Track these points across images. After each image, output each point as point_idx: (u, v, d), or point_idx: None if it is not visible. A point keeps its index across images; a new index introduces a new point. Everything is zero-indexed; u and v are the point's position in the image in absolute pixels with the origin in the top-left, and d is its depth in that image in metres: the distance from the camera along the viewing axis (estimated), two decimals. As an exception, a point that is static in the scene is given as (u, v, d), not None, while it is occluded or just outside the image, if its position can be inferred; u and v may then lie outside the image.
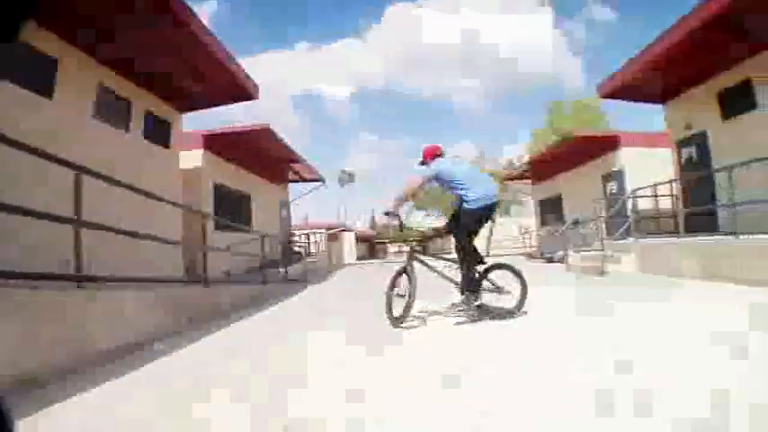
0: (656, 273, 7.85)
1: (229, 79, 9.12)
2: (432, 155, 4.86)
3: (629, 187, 12.57)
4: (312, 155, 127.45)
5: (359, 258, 37.19)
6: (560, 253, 12.96)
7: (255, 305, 7.15)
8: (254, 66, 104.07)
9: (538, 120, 76.09)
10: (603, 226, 11.83)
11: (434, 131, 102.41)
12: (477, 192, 4.50)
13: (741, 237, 6.33)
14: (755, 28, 7.57)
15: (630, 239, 9.41)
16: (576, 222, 13.32)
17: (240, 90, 9.76)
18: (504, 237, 28.47)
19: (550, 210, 19.08)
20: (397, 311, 4.45)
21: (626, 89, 10.70)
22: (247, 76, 9.66)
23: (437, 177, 4.67)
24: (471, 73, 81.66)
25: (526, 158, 24.17)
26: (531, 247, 21.32)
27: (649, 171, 12.40)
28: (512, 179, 23.95)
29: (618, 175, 13.87)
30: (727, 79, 9.16)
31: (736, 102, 9.06)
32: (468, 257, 4.54)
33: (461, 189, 4.54)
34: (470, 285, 4.51)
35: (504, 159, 28.06)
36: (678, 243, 8.07)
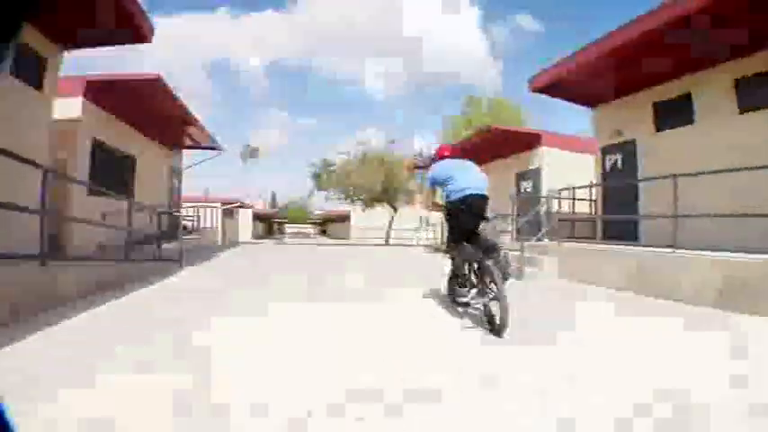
0: (578, 280, 7.36)
1: (120, 12, 6.86)
2: (439, 155, 5.06)
3: (545, 188, 12.10)
4: (218, 126, 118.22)
5: (256, 237, 35.80)
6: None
7: (106, 292, 5.64)
8: (167, 25, 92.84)
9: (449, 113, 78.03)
10: (514, 226, 11.21)
11: (345, 115, 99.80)
12: (455, 185, 4.43)
13: (678, 251, 5.98)
14: (700, 44, 7.18)
15: (547, 241, 8.90)
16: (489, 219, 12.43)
17: (132, 26, 7.37)
18: (407, 228, 27.74)
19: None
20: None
21: (558, 86, 9.90)
22: (144, 15, 7.48)
23: (433, 184, 4.75)
24: (388, 61, 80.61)
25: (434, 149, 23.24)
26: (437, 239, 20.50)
27: (566, 173, 12.03)
28: (421, 168, 22.96)
29: (534, 175, 13.20)
30: (665, 91, 8.84)
31: (671, 114, 8.78)
32: (452, 253, 4.64)
33: (447, 184, 4.51)
34: (450, 282, 4.68)
35: (415, 146, 27.11)
36: (608, 251, 7.47)
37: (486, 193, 4.48)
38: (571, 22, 60.43)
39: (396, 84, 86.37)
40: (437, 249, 14.74)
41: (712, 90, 7.92)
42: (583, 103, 10.76)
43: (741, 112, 7.49)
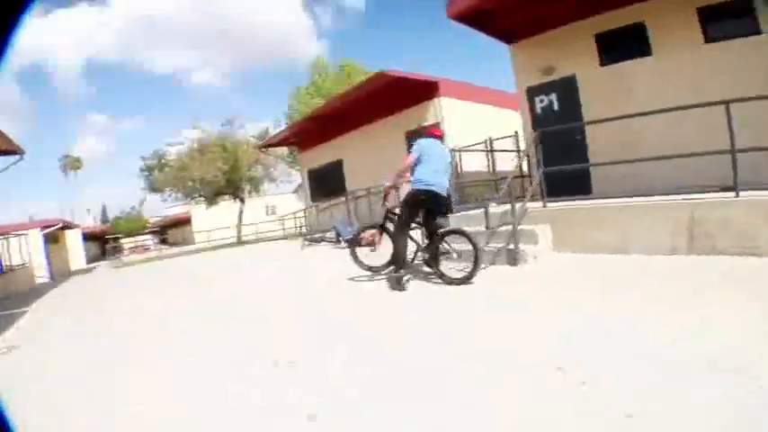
0: (593, 250, 5.38)
1: None
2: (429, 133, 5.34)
3: (449, 144, 9.87)
4: (32, 140, 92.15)
5: (91, 261, 30.35)
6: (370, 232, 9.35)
7: None
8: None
9: (282, 101, 73.60)
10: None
11: (175, 111, 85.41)
12: (421, 173, 4.81)
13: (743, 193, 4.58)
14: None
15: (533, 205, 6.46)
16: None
17: None
18: (253, 220, 23.52)
19: (326, 181, 15.32)
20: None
21: (479, 14, 8.03)
22: None
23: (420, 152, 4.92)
24: (212, 48, 71.35)
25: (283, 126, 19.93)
26: (300, 228, 17.15)
27: (473, 129, 10.17)
28: (270, 146, 19.24)
29: (434, 132, 10.94)
30: (610, 21, 7.62)
31: (621, 46, 7.63)
32: (396, 236, 5.00)
33: (417, 166, 4.87)
34: (395, 261, 5.01)
35: (256, 128, 22.86)
36: (637, 206, 5.39)
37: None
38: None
39: (225, 71, 77.40)
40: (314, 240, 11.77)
41: (672, 19, 7.00)
42: (502, 37, 8.98)
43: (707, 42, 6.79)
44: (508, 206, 5.80)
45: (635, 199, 5.48)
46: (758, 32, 6.45)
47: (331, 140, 14.80)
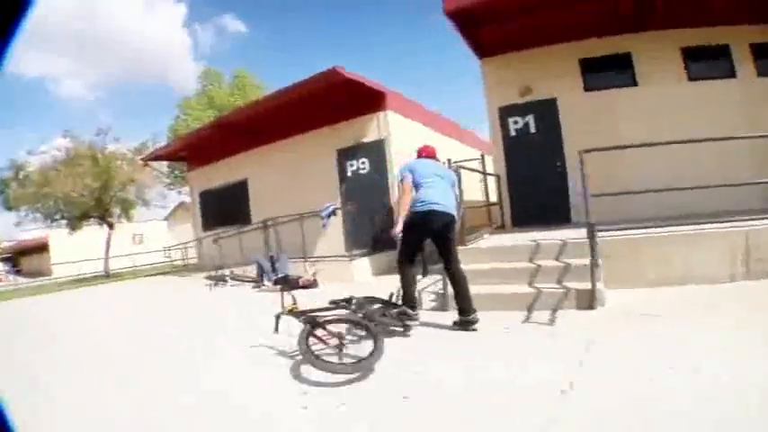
0: (648, 284, 4.65)
1: None
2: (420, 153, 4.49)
3: (394, 167, 8.83)
4: None
5: None
6: (307, 275, 7.47)
7: None
8: None
9: (153, 120, 65.76)
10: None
11: (40, 125, 69.60)
12: (419, 194, 4.00)
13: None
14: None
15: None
16: (332, 212, 8.01)
17: None
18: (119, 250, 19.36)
19: (224, 205, 12.67)
20: None
21: (471, 16, 6.95)
22: None
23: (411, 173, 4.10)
24: (81, 58, 60.70)
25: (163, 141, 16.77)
26: (186, 260, 13.97)
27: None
28: (156, 159, 15.88)
29: (372, 150, 9.37)
30: (596, 47, 7.48)
31: (607, 73, 7.51)
32: (401, 271, 4.10)
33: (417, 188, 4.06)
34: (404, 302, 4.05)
35: (132, 144, 18.86)
36: (693, 234, 4.74)
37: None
38: (272, 21, 58.24)
39: (96, 82, 65.85)
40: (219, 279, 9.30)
41: (658, 54, 7.23)
42: (477, 49, 7.96)
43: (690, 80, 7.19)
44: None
45: (675, 228, 4.79)
46: (734, 76, 7.05)
47: (233, 156, 12.26)
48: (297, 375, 3.13)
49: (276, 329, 3.61)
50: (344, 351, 3.20)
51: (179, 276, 12.97)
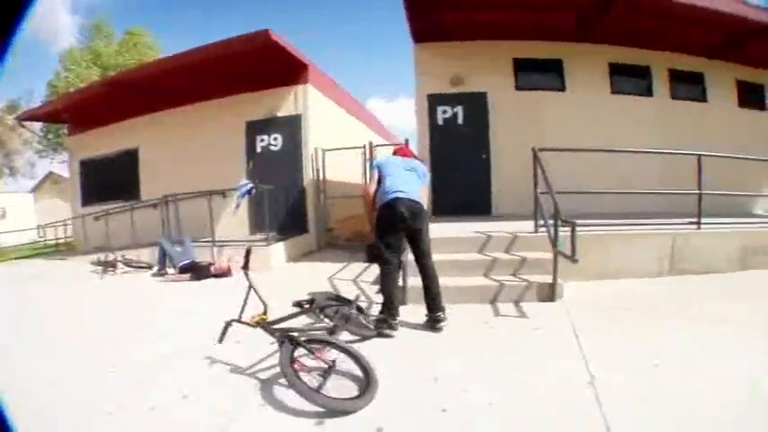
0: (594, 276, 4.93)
1: None
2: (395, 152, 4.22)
3: (311, 145, 8.54)
4: None
5: None
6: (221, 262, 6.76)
7: None
8: None
9: (22, 77, 56.28)
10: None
11: None
12: (385, 186, 3.71)
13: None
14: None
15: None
16: (248, 191, 7.33)
17: None
18: None
19: (109, 177, 11.10)
20: None
21: None
22: None
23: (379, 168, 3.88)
24: None
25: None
26: (63, 239, 12.02)
27: (334, 134, 9.12)
28: (33, 119, 13.40)
29: (288, 124, 8.68)
30: (533, 50, 7.75)
31: (539, 75, 7.85)
32: (383, 272, 3.66)
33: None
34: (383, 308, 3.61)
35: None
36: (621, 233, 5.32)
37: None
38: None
39: None
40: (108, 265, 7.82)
41: (587, 65, 7.72)
42: (415, 32, 7.65)
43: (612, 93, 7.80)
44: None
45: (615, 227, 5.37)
46: (651, 95, 7.78)
47: (123, 121, 10.72)
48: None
49: (221, 339, 2.98)
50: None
51: (55, 260, 11.10)
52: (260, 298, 3.06)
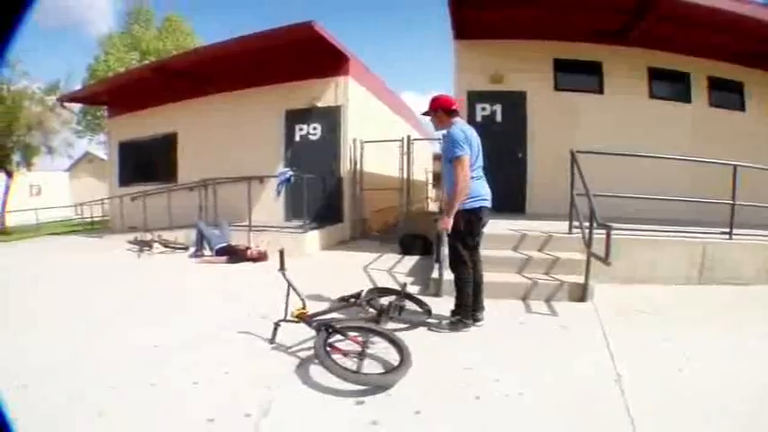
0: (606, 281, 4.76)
1: None
2: (451, 105, 3.53)
3: (349, 136, 8.66)
4: None
5: None
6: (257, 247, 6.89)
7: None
8: None
9: (62, 61, 57.99)
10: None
11: None
12: (473, 187, 3.39)
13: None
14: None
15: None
16: (287, 179, 7.49)
17: None
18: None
19: (147, 159, 11.44)
20: None
21: None
22: None
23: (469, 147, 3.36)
24: None
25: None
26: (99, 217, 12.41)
27: (370, 127, 9.21)
28: (74, 100, 13.84)
29: (328, 116, 8.77)
30: (573, 50, 7.70)
31: (577, 77, 7.82)
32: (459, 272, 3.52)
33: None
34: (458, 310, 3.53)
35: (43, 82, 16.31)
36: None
37: None
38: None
39: None
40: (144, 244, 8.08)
41: (626, 68, 7.65)
42: (457, 27, 7.57)
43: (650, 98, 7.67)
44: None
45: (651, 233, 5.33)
46: (689, 101, 7.66)
47: (163, 105, 10.99)
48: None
49: (273, 339, 3.14)
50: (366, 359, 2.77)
51: (92, 237, 11.47)
52: (299, 295, 3.20)
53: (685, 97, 7.68)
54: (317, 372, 2.68)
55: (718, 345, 3.22)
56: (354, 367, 2.62)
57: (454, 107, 3.52)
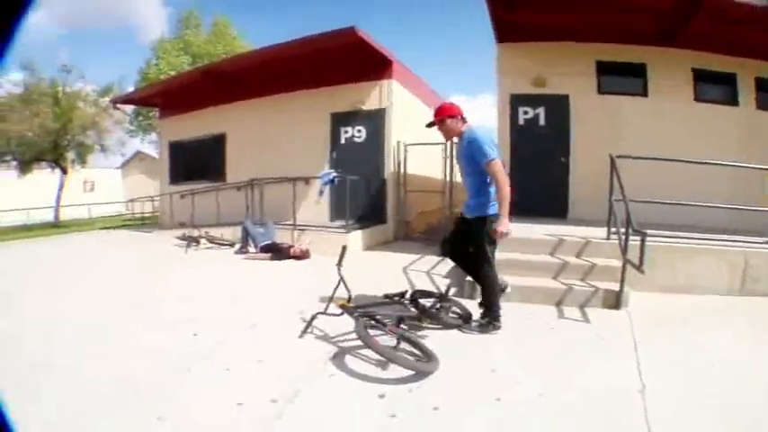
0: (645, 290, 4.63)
1: None
2: (459, 113, 3.57)
3: (392, 138, 8.75)
4: None
5: None
6: (300, 245, 7.12)
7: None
8: None
9: (114, 65, 61.52)
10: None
11: None
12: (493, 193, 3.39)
13: None
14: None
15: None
16: (331, 180, 7.68)
17: None
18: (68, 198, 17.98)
19: (196, 159, 11.93)
20: None
21: None
22: None
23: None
24: None
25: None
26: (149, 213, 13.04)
27: (412, 129, 8.91)
28: (127, 103, 14.69)
29: (371, 118, 8.94)
30: (616, 53, 7.53)
31: (621, 80, 7.70)
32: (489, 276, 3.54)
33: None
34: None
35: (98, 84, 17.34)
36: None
37: None
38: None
39: (60, 22, 59.30)
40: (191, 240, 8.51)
41: (671, 70, 7.44)
42: (499, 29, 7.61)
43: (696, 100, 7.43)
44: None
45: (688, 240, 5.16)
46: (736, 104, 7.38)
47: (212, 107, 11.46)
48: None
49: (306, 331, 3.34)
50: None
51: (140, 232, 12.11)
52: (346, 288, 3.41)
53: (732, 100, 7.41)
54: (343, 366, 2.85)
55: (757, 360, 3.08)
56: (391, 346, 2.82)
57: (463, 113, 3.57)
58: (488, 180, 3.36)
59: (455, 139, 3.64)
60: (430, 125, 3.67)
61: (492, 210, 3.36)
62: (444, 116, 3.53)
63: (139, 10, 52.71)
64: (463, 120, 3.54)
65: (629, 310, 4.13)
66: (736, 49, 7.12)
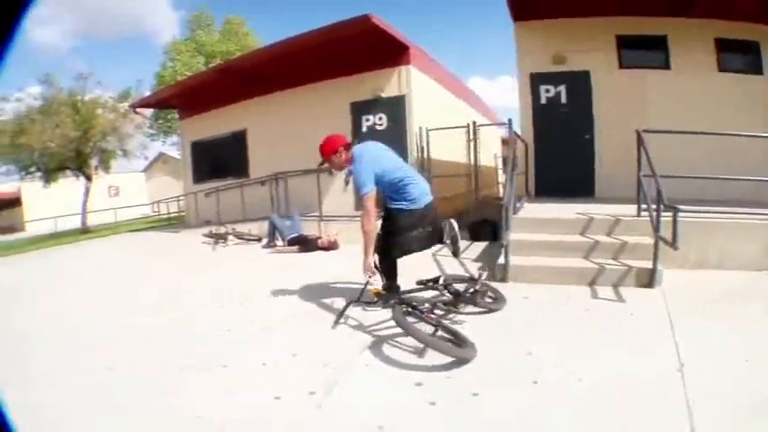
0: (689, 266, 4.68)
1: None
2: (338, 146, 3.66)
3: (414, 125, 8.71)
4: None
5: None
6: (328, 236, 7.16)
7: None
8: None
9: (130, 70, 62.78)
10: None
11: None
12: (416, 189, 3.67)
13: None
14: None
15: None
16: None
17: None
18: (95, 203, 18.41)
19: (219, 157, 12.07)
20: None
21: None
22: None
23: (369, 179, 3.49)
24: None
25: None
26: (175, 213, 13.32)
27: (434, 113, 9.11)
28: (145, 106, 14.98)
29: (391, 105, 8.92)
30: (637, 25, 7.37)
31: (642, 53, 7.56)
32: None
33: (402, 182, 3.63)
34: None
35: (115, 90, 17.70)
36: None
37: None
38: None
39: (74, 33, 60.90)
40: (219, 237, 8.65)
41: (693, 41, 7.27)
42: (514, 8, 7.57)
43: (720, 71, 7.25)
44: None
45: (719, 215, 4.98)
46: (761, 73, 7.16)
47: (232, 105, 11.57)
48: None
49: (337, 322, 3.38)
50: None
51: (167, 232, 12.37)
52: (381, 276, 3.54)
53: (757, 68, 7.20)
54: (379, 354, 2.88)
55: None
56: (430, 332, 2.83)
57: (347, 141, 3.73)
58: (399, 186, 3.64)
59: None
60: (321, 164, 3.84)
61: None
62: (329, 156, 3.66)
63: (150, 17, 53.40)
64: (346, 148, 3.65)
65: (663, 288, 4.06)
66: (759, 15, 6.91)
